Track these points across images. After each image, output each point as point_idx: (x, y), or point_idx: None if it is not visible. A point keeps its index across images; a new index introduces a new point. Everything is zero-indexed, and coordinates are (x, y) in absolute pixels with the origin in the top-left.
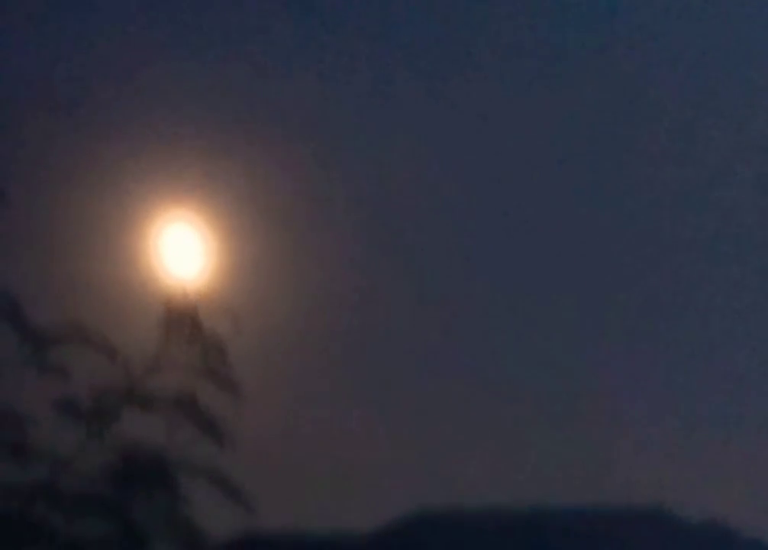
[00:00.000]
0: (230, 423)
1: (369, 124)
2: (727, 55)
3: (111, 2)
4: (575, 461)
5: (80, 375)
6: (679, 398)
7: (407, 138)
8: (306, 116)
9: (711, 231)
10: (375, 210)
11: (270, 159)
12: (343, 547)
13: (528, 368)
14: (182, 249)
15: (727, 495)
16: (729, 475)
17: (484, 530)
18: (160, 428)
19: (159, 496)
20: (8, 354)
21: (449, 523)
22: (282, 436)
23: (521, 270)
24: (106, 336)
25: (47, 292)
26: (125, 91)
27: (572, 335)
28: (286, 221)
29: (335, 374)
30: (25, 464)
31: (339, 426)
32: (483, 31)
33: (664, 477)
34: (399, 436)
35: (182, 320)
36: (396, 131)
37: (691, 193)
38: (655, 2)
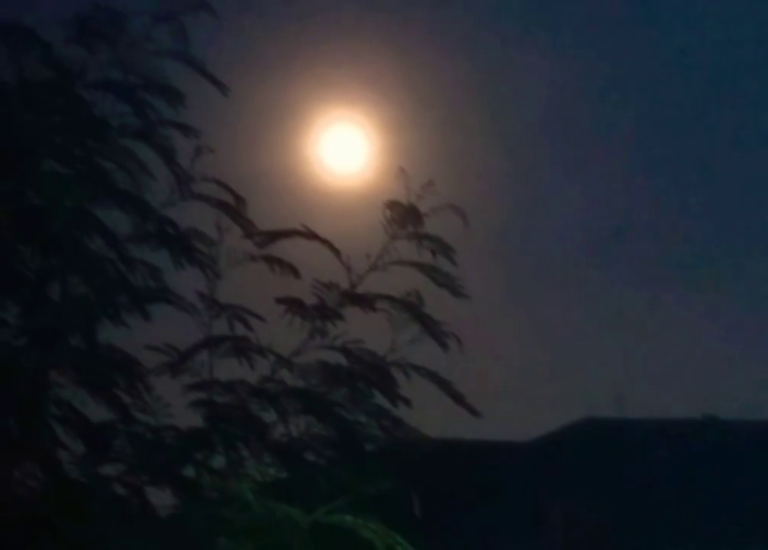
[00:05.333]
0: (454, 323)
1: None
2: None
3: None
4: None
5: (304, 272)
6: (730, 311)
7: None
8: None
9: None
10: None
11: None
12: (511, 452)
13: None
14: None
15: None
16: None
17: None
18: (382, 327)
19: (378, 397)
20: (234, 249)
21: (616, 431)
22: (500, 337)
23: None
24: (329, 234)
25: (271, 190)
26: None
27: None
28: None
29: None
30: (248, 359)
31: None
32: None
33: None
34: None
35: (405, 216)
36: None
37: None
38: None
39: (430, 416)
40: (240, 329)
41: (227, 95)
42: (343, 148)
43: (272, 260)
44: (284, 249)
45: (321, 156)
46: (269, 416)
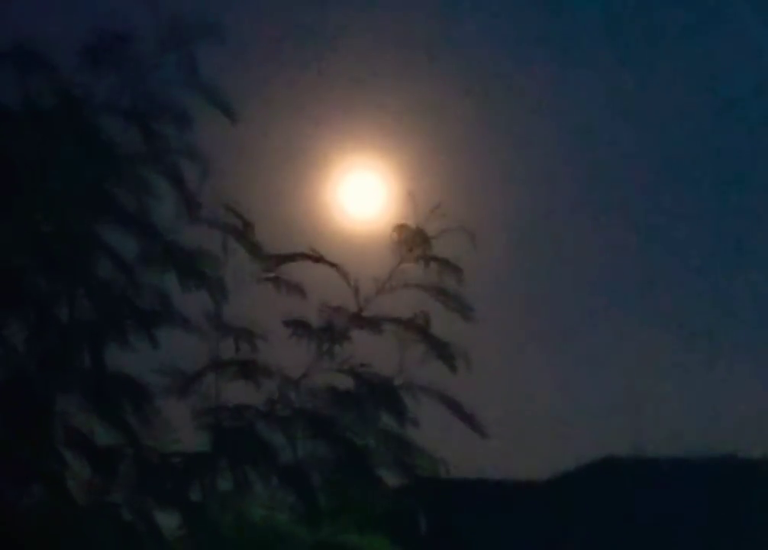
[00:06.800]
0: (462, 345)
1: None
2: None
3: None
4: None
5: (312, 294)
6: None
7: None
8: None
9: None
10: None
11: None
12: (528, 493)
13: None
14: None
15: None
16: None
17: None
18: (390, 349)
19: (386, 419)
20: (242, 272)
21: (635, 471)
22: (510, 360)
23: None
24: (338, 257)
25: (279, 214)
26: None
27: None
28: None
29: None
30: (255, 381)
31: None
32: None
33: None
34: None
35: (413, 239)
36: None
37: None
38: None
39: (449, 452)
40: (246, 350)
41: (235, 121)
42: (352, 175)
43: (279, 282)
44: (292, 273)
45: (330, 181)
46: (277, 438)
